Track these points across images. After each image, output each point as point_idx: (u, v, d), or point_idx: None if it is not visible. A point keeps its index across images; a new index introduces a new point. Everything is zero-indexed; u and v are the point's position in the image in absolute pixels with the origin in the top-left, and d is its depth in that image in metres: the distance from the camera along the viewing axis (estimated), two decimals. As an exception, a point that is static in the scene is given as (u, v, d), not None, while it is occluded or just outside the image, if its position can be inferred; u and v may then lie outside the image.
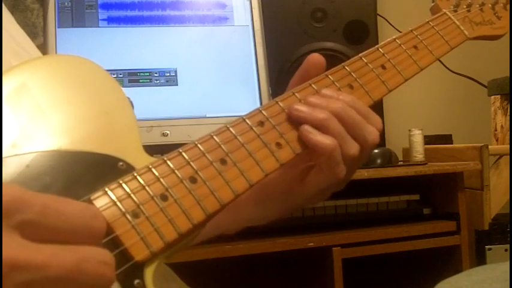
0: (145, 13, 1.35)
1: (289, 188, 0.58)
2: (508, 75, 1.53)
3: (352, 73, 0.59)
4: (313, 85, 0.57)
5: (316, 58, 0.59)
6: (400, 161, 1.54)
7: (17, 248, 0.30)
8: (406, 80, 0.63)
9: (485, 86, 1.74)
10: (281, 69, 1.51)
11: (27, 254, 0.30)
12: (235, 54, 1.38)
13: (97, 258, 0.33)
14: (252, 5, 1.41)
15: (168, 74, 1.33)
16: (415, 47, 0.65)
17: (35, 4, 1.42)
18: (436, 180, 1.38)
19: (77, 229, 0.34)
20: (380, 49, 0.63)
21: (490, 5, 0.76)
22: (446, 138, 1.63)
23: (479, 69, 1.86)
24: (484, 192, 1.39)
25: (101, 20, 1.32)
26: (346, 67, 0.60)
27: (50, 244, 0.32)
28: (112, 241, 0.41)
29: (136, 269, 0.41)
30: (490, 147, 1.41)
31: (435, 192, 1.41)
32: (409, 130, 1.43)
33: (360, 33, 1.56)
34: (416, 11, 1.65)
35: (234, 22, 1.40)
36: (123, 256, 0.41)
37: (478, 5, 0.75)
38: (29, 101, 0.45)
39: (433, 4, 0.74)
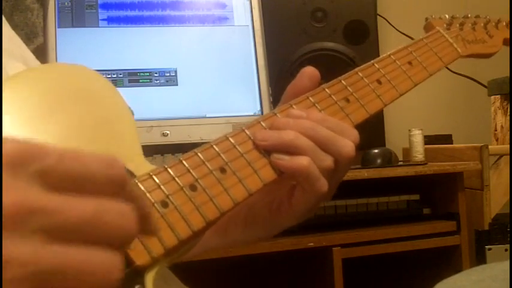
0: (145, 13, 1.35)
1: (278, 210, 0.58)
2: (508, 75, 1.53)
3: (348, 87, 0.60)
4: (310, 98, 0.58)
5: (310, 71, 0.59)
6: (400, 161, 1.54)
7: (34, 194, 0.30)
8: (401, 95, 0.64)
9: (485, 86, 1.74)
10: (281, 69, 1.52)
11: (46, 199, 0.30)
12: (235, 54, 1.38)
13: (116, 209, 0.32)
14: (252, 5, 1.41)
15: (168, 74, 1.33)
16: (410, 63, 0.66)
17: (35, 4, 1.42)
18: (436, 180, 1.38)
19: (96, 175, 0.33)
20: (375, 64, 0.64)
21: (482, 24, 0.78)
22: (446, 138, 1.64)
23: (479, 69, 1.85)
24: (484, 192, 1.39)
25: (101, 20, 1.33)
26: (343, 81, 0.61)
27: (69, 191, 0.32)
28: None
29: (137, 274, 0.42)
30: (490, 147, 1.41)
31: (435, 192, 1.41)
32: (409, 130, 1.43)
33: (360, 33, 1.57)
34: (416, 11, 1.66)
35: (234, 22, 1.40)
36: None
37: (470, 24, 0.77)
38: (30, 108, 0.45)
39: (426, 22, 0.76)
